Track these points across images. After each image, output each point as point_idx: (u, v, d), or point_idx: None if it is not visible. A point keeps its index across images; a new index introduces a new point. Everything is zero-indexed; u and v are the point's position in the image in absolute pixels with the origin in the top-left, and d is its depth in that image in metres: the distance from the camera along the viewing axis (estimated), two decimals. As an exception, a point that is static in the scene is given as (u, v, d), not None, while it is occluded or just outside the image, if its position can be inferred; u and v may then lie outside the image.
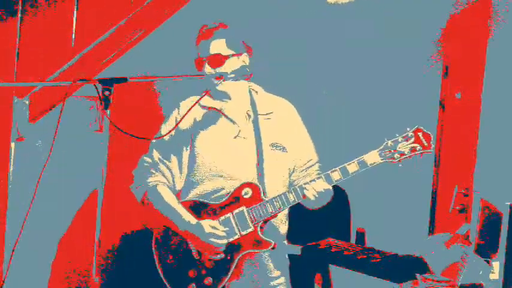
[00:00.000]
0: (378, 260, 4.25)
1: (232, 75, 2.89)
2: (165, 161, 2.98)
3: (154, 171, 2.98)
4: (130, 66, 4.01)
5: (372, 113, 5.05)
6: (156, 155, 2.99)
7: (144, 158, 3.03)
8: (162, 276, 2.92)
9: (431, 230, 4.98)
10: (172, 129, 2.90)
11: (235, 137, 2.95)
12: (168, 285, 2.90)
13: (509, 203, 2.98)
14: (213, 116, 3.00)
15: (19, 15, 3.69)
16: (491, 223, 3.36)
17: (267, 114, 3.03)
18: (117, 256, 4.64)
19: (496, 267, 3.09)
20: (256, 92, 3.10)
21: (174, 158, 2.97)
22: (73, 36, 3.81)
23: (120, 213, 4.91)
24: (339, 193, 3.01)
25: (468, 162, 4.36)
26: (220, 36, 2.97)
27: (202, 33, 3.01)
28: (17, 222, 2.95)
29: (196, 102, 2.94)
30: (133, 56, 4.04)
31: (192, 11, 4.06)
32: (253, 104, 3.04)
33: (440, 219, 4.97)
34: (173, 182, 2.98)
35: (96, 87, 2.56)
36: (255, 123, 2.98)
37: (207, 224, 2.85)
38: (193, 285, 2.87)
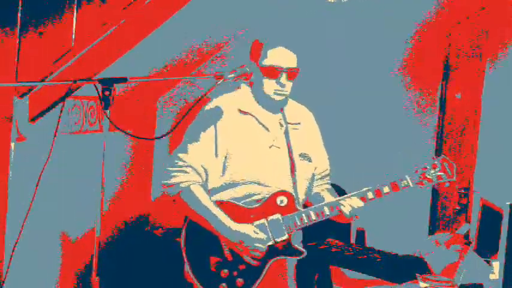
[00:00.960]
0: (378, 260, 4.25)
1: (232, 75, 2.84)
2: (200, 159, 2.92)
3: (188, 170, 2.91)
4: (131, 66, 4.01)
5: (372, 112, 5.05)
6: (191, 152, 2.92)
7: (178, 154, 2.95)
8: (191, 273, 2.90)
9: (431, 230, 4.98)
10: (173, 128, 2.84)
11: (270, 147, 2.97)
12: (198, 283, 2.90)
13: (509, 203, 2.98)
14: (248, 121, 2.97)
15: (19, 15, 3.69)
16: (491, 223, 3.36)
17: (295, 124, 3.05)
18: (118, 255, 4.64)
19: (496, 267, 3.09)
20: None
21: (209, 158, 2.92)
22: (73, 37, 3.81)
23: (121, 212, 4.92)
24: (340, 193, 3.04)
25: (468, 162, 4.36)
26: (294, 51, 2.97)
27: (277, 41, 2.97)
28: (17, 223, 2.94)
29: (197, 102, 2.85)
30: (134, 56, 4.04)
31: (192, 11, 4.06)
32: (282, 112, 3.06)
33: (440, 219, 4.97)
34: (206, 181, 2.94)
35: (96, 87, 2.56)
36: (286, 132, 3.01)
37: (251, 230, 2.87)
38: (224, 285, 2.88)
